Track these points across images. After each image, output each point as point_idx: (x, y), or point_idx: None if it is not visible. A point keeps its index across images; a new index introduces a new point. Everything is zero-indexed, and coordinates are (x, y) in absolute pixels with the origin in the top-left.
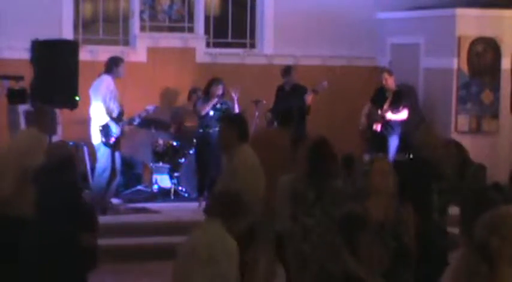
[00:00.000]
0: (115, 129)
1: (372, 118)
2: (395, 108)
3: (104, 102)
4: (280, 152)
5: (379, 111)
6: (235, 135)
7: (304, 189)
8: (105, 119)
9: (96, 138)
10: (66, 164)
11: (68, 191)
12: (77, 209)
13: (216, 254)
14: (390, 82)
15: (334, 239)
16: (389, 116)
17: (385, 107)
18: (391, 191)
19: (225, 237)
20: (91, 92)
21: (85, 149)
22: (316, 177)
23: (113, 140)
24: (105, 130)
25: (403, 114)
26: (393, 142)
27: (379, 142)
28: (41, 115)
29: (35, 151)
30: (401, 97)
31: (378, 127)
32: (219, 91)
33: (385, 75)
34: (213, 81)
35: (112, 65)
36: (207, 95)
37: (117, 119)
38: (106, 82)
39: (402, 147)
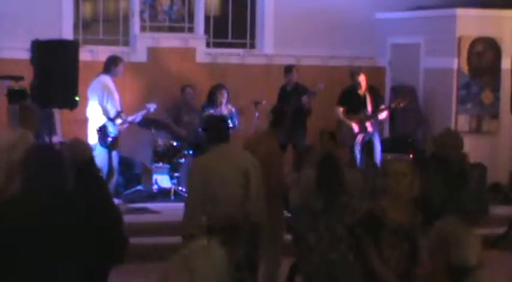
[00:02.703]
0: (112, 130)
1: (363, 120)
2: (379, 106)
3: (100, 102)
4: (267, 155)
5: (367, 112)
6: (206, 138)
7: (313, 200)
8: (102, 120)
9: (93, 138)
10: (92, 161)
11: (98, 188)
12: (109, 205)
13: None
14: (364, 83)
15: (334, 254)
16: (382, 116)
17: (370, 107)
18: (407, 194)
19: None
20: (88, 93)
21: None
22: (325, 189)
23: (110, 140)
24: (102, 131)
25: (384, 113)
26: (377, 141)
27: (365, 143)
28: (25, 113)
29: (17, 146)
30: (380, 95)
31: (369, 127)
32: (224, 98)
33: (362, 76)
34: (216, 88)
35: (111, 65)
36: (211, 101)
37: (115, 119)
38: (103, 82)
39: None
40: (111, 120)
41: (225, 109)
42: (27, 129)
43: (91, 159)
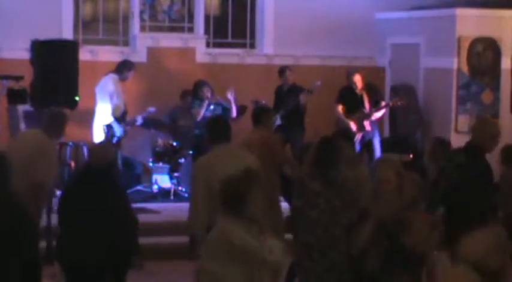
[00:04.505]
0: (118, 129)
1: (361, 118)
2: (377, 104)
3: (110, 101)
4: (267, 150)
5: (365, 110)
6: (208, 138)
7: (309, 180)
8: (110, 119)
9: (98, 136)
10: (112, 166)
11: (118, 191)
12: (126, 209)
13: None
14: (360, 82)
15: (337, 229)
16: (378, 115)
17: (368, 106)
18: (392, 197)
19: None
20: (97, 91)
21: (85, 149)
22: (321, 167)
23: (115, 139)
24: (109, 130)
25: (382, 111)
26: (377, 142)
27: (364, 142)
28: (52, 118)
29: (42, 156)
30: (377, 93)
31: (367, 126)
32: (208, 93)
33: (358, 76)
34: (199, 85)
35: (124, 69)
36: (197, 97)
37: (121, 119)
38: (113, 81)
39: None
40: (117, 120)
41: (211, 100)
42: (49, 135)
43: (112, 163)
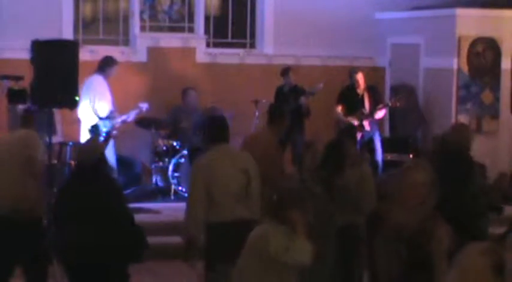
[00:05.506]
0: (104, 128)
1: (360, 118)
2: (377, 105)
3: (90, 103)
4: (266, 149)
5: (365, 110)
6: (206, 138)
7: (311, 183)
8: (94, 120)
9: (85, 137)
10: (102, 161)
11: (111, 186)
12: (122, 205)
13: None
14: (362, 81)
15: (331, 230)
16: (380, 114)
17: (368, 106)
18: (421, 202)
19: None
20: (81, 93)
21: None
22: (326, 173)
23: (102, 138)
24: (94, 130)
25: (382, 112)
26: (377, 141)
27: (365, 142)
28: (31, 119)
29: (36, 145)
30: (378, 93)
31: (367, 126)
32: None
33: (360, 74)
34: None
35: (105, 65)
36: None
37: (107, 118)
38: (94, 83)
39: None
40: (103, 119)
41: None
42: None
43: (100, 160)
